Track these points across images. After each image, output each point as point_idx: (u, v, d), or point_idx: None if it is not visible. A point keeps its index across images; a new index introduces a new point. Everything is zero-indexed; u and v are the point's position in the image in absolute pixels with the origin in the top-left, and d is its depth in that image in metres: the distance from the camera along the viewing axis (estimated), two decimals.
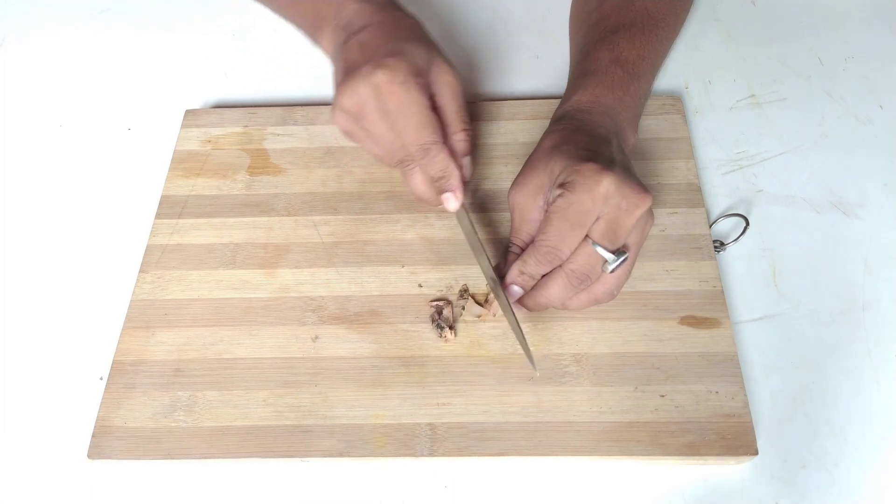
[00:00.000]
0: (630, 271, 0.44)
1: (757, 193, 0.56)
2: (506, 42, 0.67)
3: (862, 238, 0.53)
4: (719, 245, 0.52)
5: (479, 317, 0.49)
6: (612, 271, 0.42)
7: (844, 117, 0.60)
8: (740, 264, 0.52)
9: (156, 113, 0.64)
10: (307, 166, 0.57)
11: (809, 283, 0.51)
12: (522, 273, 0.44)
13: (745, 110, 0.61)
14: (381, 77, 0.42)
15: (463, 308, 0.49)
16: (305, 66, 0.66)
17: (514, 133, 0.58)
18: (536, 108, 0.59)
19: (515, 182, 0.45)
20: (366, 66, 0.43)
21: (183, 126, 0.60)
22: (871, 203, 0.55)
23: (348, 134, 0.47)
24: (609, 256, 0.42)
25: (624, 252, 0.42)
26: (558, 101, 0.59)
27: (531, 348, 0.46)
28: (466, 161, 0.48)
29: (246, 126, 0.60)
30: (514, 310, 0.45)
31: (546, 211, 0.43)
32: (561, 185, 0.42)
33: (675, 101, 0.59)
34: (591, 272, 0.42)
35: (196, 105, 0.64)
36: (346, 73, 0.44)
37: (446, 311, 0.49)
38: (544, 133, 0.48)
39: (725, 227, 0.54)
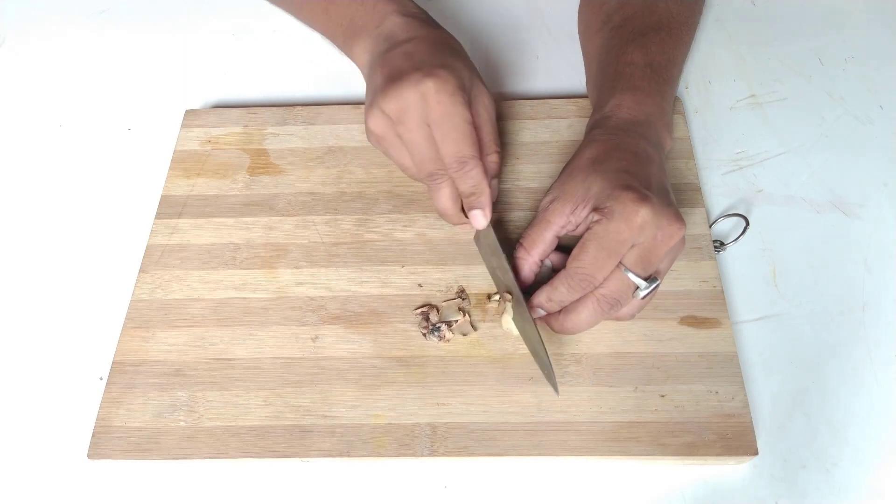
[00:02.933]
0: (655, 295, 0.45)
1: (757, 193, 0.56)
2: (505, 42, 0.67)
3: (862, 238, 0.53)
4: (719, 245, 0.52)
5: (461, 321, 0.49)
6: (644, 297, 0.43)
7: (844, 117, 0.60)
8: (740, 264, 0.52)
9: (156, 113, 0.64)
10: (307, 166, 0.57)
11: (809, 283, 0.51)
12: (551, 300, 0.44)
13: (745, 110, 0.61)
14: (430, 85, 0.42)
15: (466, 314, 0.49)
16: (305, 66, 0.66)
17: (513, 133, 0.58)
18: (536, 107, 0.59)
19: (552, 187, 0.46)
20: (415, 73, 0.43)
21: (183, 126, 0.60)
22: (871, 203, 0.55)
23: (380, 139, 0.46)
24: (641, 283, 0.42)
25: (655, 279, 0.42)
26: (557, 100, 0.60)
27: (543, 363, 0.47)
28: (494, 183, 0.48)
29: (246, 126, 0.60)
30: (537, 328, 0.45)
31: (581, 237, 0.43)
32: (597, 210, 0.42)
33: (675, 102, 0.59)
34: (622, 298, 0.43)
35: (196, 105, 0.64)
36: (391, 78, 0.44)
37: (433, 315, 0.48)
38: (585, 139, 0.48)
39: (725, 227, 0.54)
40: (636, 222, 0.40)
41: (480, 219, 0.46)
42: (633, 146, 0.46)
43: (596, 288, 0.42)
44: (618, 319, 0.46)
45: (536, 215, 0.46)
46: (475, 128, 0.45)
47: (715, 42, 0.66)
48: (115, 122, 0.64)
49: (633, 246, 0.41)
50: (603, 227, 0.41)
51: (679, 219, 0.42)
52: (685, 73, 0.63)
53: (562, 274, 0.43)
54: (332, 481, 0.45)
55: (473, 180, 0.45)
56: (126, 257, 0.54)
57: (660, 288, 0.48)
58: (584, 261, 0.42)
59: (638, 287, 0.42)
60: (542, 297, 0.44)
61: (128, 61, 0.68)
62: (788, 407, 0.46)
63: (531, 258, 0.45)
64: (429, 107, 0.43)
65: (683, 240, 0.44)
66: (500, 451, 0.43)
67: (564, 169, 0.47)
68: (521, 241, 0.46)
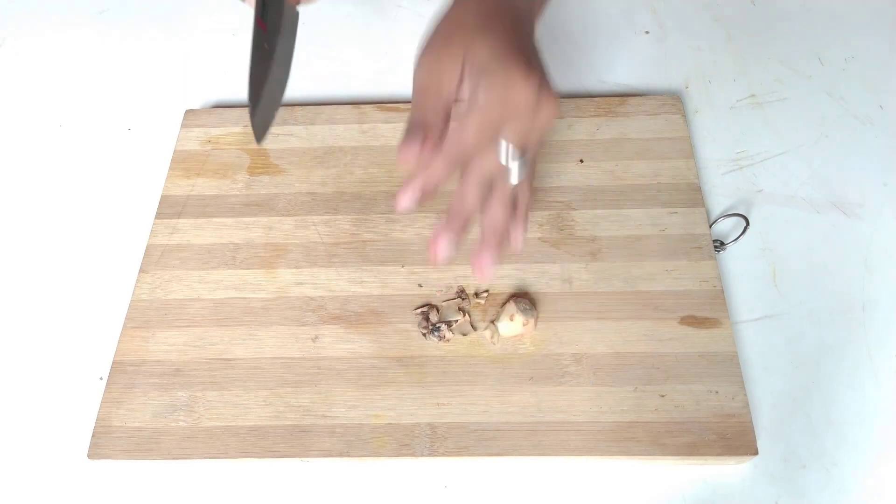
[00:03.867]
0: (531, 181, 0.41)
1: (757, 193, 0.56)
2: None
3: (862, 238, 0.53)
4: (719, 245, 0.52)
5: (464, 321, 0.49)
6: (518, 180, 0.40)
7: (844, 117, 0.60)
8: (740, 264, 0.52)
9: (156, 113, 0.64)
10: (307, 166, 0.57)
11: (809, 283, 0.51)
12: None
13: (745, 110, 0.61)
14: None
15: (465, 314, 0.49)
16: (305, 66, 0.66)
17: None
18: None
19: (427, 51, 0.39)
20: None
21: (183, 126, 0.60)
22: (871, 203, 0.55)
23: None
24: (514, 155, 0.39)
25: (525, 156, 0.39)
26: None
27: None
28: None
29: (246, 126, 0.60)
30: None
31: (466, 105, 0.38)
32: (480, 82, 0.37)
33: (675, 101, 0.59)
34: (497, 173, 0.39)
35: (196, 105, 0.64)
36: None
37: (433, 315, 0.48)
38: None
39: (725, 226, 0.54)
40: (521, 98, 0.37)
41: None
42: (513, 11, 0.41)
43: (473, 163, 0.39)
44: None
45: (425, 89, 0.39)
46: None
47: (715, 42, 0.66)
48: (115, 122, 0.64)
49: (511, 120, 0.38)
50: (485, 97, 0.37)
51: (556, 99, 0.38)
52: (685, 73, 0.63)
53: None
54: (332, 481, 0.45)
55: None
56: (126, 257, 0.54)
57: (660, 288, 0.49)
58: (468, 133, 0.38)
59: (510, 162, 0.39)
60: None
61: (128, 61, 0.68)
62: (788, 407, 0.46)
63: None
64: None
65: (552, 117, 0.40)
66: (500, 451, 0.43)
67: (437, 31, 0.40)
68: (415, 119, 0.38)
